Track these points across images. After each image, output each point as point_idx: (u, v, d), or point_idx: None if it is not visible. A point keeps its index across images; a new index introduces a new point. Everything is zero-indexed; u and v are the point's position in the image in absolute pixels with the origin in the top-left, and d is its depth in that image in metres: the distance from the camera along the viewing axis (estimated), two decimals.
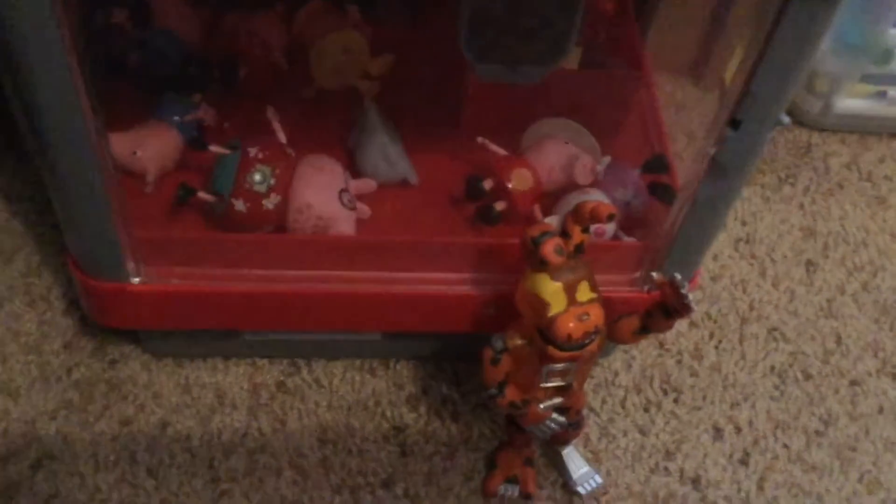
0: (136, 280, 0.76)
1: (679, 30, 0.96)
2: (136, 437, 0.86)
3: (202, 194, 0.78)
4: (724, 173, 0.68)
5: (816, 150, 1.17)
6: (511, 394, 0.75)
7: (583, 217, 0.69)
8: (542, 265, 0.68)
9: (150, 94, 0.85)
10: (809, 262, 1.06)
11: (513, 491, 0.84)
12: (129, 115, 0.82)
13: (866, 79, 1.15)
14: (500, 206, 0.81)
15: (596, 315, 0.70)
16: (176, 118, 0.83)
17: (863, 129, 1.19)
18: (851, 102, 1.17)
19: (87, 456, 0.84)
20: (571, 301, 0.69)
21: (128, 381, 0.89)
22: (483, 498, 0.85)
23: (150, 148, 0.81)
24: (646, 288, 0.80)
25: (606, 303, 0.71)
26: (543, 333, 0.70)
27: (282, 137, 0.80)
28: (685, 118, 0.92)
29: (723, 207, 0.72)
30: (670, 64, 0.97)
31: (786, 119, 0.64)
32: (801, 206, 1.11)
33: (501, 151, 0.83)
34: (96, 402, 0.87)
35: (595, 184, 0.83)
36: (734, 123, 0.64)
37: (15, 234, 0.98)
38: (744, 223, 1.08)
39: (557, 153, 0.83)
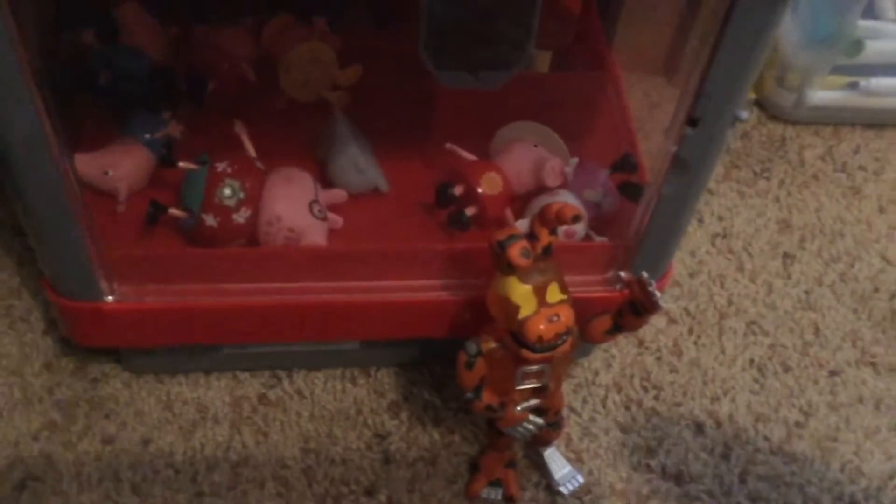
0: (111, 299, 0.77)
1: (646, 29, 0.97)
2: (119, 455, 0.86)
3: (173, 211, 0.78)
4: (686, 170, 0.68)
5: (791, 144, 1.18)
6: (488, 397, 0.75)
7: (548, 219, 0.69)
8: (510, 268, 0.69)
9: (120, 111, 0.85)
10: (786, 255, 1.06)
11: (496, 494, 0.85)
12: (100, 134, 0.83)
13: (837, 70, 1.16)
14: (470, 211, 0.82)
15: (566, 316, 0.70)
16: (146, 135, 0.83)
17: (836, 120, 1.20)
18: (824, 94, 1.17)
19: (70, 475, 0.84)
20: (541, 303, 0.70)
21: (109, 400, 0.89)
22: (467, 502, 0.85)
23: (122, 167, 0.82)
24: (618, 287, 0.80)
25: (579, 303, 0.72)
26: (515, 336, 0.70)
27: (250, 151, 0.80)
28: (658, 117, 0.92)
29: (688, 203, 0.73)
30: (639, 63, 0.98)
31: (744, 115, 0.64)
32: (777, 199, 1.12)
33: (470, 157, 0.84)
34: (78, 422, 0.87)
35: (564, 185, 0.83)
36: (692, 122, 0.65)
37: None
38: (720, 218, 1.09)
39: (526, 156, 0.84)
